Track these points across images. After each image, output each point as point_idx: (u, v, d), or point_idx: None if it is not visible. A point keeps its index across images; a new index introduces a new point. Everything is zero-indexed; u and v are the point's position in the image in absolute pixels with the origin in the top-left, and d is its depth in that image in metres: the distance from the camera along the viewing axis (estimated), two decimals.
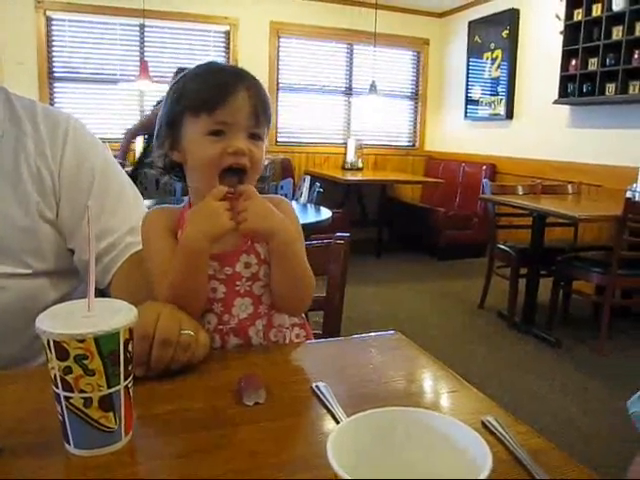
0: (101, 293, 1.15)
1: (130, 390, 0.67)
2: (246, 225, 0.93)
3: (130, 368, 0.66)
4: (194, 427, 0.71)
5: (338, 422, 0.71)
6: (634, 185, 3.79)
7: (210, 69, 1.01)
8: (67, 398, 0.62)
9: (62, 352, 0.61)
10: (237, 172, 0.96)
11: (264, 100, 0.99)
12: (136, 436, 0.68)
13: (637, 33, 4.12)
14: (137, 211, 1.20)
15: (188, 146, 0.98)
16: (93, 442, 0.64)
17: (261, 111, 0.97)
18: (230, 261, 1.00)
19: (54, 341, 0.61)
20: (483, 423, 0.73)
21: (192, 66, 1.03)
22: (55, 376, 0.62)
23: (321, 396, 0.79)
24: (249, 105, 0.95)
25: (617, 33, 4.27)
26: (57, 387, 0.63)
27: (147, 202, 1.27)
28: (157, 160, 1.04)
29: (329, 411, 0.75)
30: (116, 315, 0.65)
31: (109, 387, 0.63)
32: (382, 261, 5.82)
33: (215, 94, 0.94)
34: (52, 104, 5.31)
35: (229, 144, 0.94)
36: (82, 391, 0.62)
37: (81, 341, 0.60)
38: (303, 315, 1.13)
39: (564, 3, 4.69)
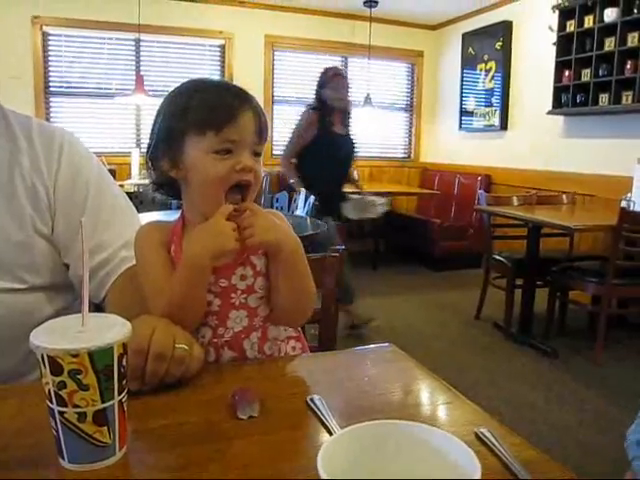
0: (97, 307, 1.15)
1: (124, 405, 0.67)
2: (254, 239, 0.94)
3: (124, 383, 0.67)
4: (188, 441, 0.71)
5: (332, 435, 0.72)
6: (628, 195, 3.81)
7: (213, 87, 1.01)
8: (61, 413, 0.63)
9: (56, 367, 0.61)
10: (240, 189, 0.97)
11: (265, 118, 1.01)
12: (130, 451, 0.68)
13: (629, 44, 4.16)
14: (132, 225, 1.20)
15: (190, 164, 0.97)
16: (87, 457, 0.64)
17: (264, 129, 0.99)
18: (225, 273, 1.01)
19: (48, 356, 0.61)
20: (477, 435, 0.73)
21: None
22: (49, 391, 0.62)
23: (316, 409, 0.79)
24: (255, 123, 0.97)
25: (609, 44, 4.31)
26: (51, 402, 0.63)
27: (143, 215, 1.27)
28: (150, 176, 1.04)
29: (324, 424, 0.75)
30: (110, 330, 0.65)
31: (103, 402, 0.63)
32: (378, 273, 5.82)
33: (223, 113, 0.95)
34: (48, 119, 5.33)
35: (237, 161, 0.95)
36: (76, 406, 0.62)
37: (75, 356, 0.61)
38: (298, 328, 1.13)
39: (556, 15, 4.74)
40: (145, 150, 1.04)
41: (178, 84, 1.05)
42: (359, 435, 0.50)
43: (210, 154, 0.95)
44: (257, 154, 0.99)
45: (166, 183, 1.03)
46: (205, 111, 0.95)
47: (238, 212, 0.96)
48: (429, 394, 0.92)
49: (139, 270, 1.04)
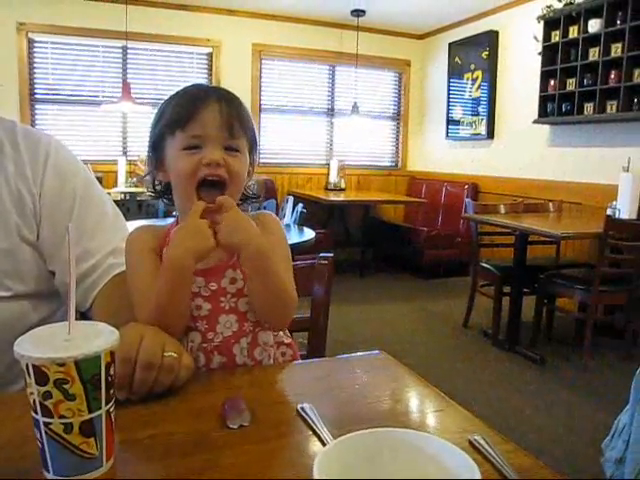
0: (82, 316, 1.13)
1: (112, 415, 0.65)
2: (218, 238, 0.94)
3: (112, 392, 0.65)
4: (177, 452, 0.70)
5: (324, 444, 0.71)
6: (614, 202, 3.85)
7: (185, 89, 1.04)
8: (47, 424, 0.61)
9: (41, 377, 0.59)
10: (217, 186, 0.97)
11: (240, 112, 1.01)
12: (118, 462, 0.66)
13: (613, 54, 4.21)
14: (119, 232, 1.19)
15: (168, 164, 1.00)
16: (73, 469, 0.62)
17: (236, 123, 0.99)
18: (215, 276, 1.00)
19: (33, 365, 0.59)
20: (470, 442, 0.72)
21: (175, 88, 1.05)
22: (34, 401, 0.61)
23: (307, 417, 0.78)
24: (221, 117, 0.97)
25: (594, 54, 4.36)
26: (36, 412, 0.61)
27: (130, 223, 1.26)
28: (148, 184, 1.07)
29: (315, 433, 0.74)
30: (97, 338, 0.64)
31: (90, 412, 0.62)
32: (366, 281, 5.82)
33: (186, 110, 0.97)
34: (33, 126, 5.29)
35: (203, 156, 0.96)
36: (62, 416, 0.60)
37: (61, 365, 0.59)
38: (289, 334, 1.12)
39: (542, 25, 4.79)
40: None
41: (165, 91, 1.08)
42: (355, 444, 0.49)
43: (180, 151, 0.97)
44: (232, 149, 0.99)
45: (162, 190, 1.06)
46: (173, 112, 0.99)
47: (213, 208, 0.95)
48: (421, 401, 0.92)
49: (128, 275, 1.03)
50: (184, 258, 0.93)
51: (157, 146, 1.02)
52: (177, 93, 1.03)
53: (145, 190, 4.78)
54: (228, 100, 1.00)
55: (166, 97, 1.05)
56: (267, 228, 1.03)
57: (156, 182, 1.07)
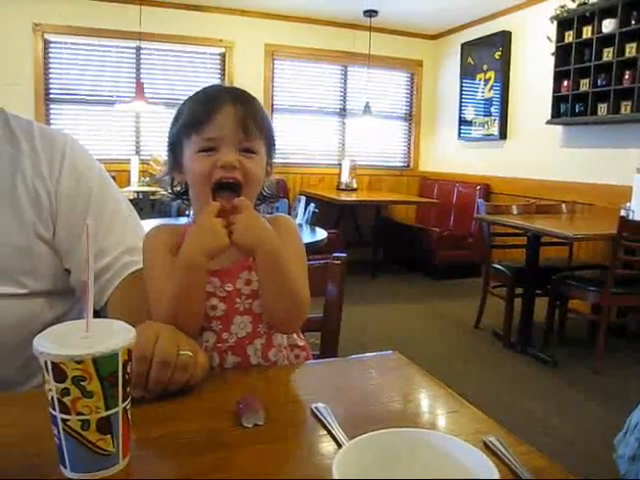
0: (96, 314, 1.14)
1: (128, 412, 0.66)
2: (232, 238, 0.94)
3: (128, 390, 0.65)
4: (192, 450, 0.70)
5: (338, 443, 0.71)
6: (628, 204, 3.82)
7: (202, 91, 1.04)
8: (64, 420, 0.61)
9: (60, 374, 0.60)
10: (232, 188, 0.97)
11: (255, 113, 1.00)
12: (133, 459, 0.67)
13: (627, 54, 4.18)
14: (134, 230, 1.20)
15: (186, 166, 1.01)
16: (90, 466, 0.63)
17: (252, 124, 0.99)
18: (230, 277, 1.00)
19: (52, 362, 0.60)
20: (485, 443, 0.72)
21: (188, 88, 1.06)
22: (52, 398, 0.61)
23: (321, 417, 0.78)
24: (236, 118, 0.97)
25: (608, 54, 4.33)
26: (54, 409, 0.62)
27: (143, 222, 1.26)
28: (166, 185, 1.07)
29: (329, 432, 0.74)
30: (114, 336, 0.64)
31: (107, 409, 0.62)
32: (377, 281, 5.81)
33: (202, 112, 0.97)
34: (48, 125, 5.32)
35: (219, 158, 0.96)
36: (80, 413, 0.61)
37: (79, 362, 0.60)
38: (303, 336, 1.12)
39: (555, 25, 4.76)
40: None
41: (178, 91, 1.09)
42: (373, 443, 0.49)
43: (196, 154, 0.98)
44: (248, 150, 0.99)
45: (183, 191, 1.07)
46: (189, 114, 1.00)
47: (230, 210, 0.95)
48: (434, 402, 0.91)
49: (145, 273, 1.03)
50: (196, 256, 0.93)
51: (175, 147, 1.03)
52: (195, 94, 1.04)
53: (158, 189, 4.82)
54: (243, 101, 1.00)
55: (179, 97, 1.06)
56: (283, 230, 1.03)
57: (174, 183, 1.07)
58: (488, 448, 0.71)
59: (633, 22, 4.10)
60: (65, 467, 0.63)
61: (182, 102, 1.05)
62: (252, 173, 0.98)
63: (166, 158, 1.07)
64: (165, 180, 1.08)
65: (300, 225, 3.80)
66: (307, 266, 1.06)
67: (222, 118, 0.97)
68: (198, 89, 1.05)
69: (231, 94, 1.00)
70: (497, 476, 0.43)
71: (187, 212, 1.12)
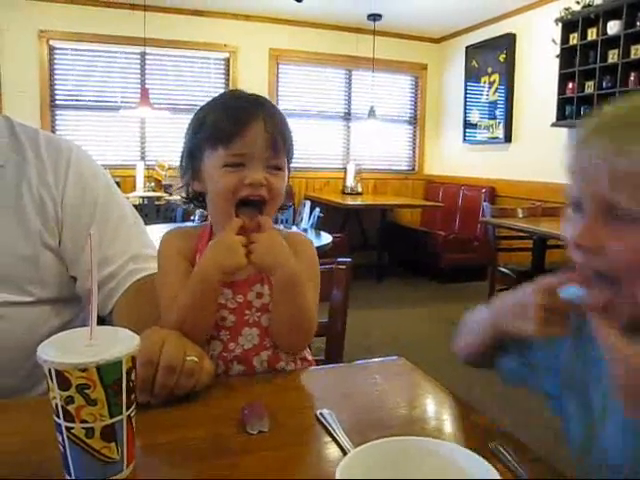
0: (102, 321, 1.14)
1: (132, 419, 0.66)
2: (251, 258, 0.93)
3: (133, 397, 0.65)
4: (197, 456, 0.70)
5: (343, 450, 0.70)
6: None
7: (228, 99, 1.02)
8: (68, 428, 0.61)
9: (64, 381, 0.60)
10: (256, 204, 0.96)
11: (282, 130, 0.99)
12: (138, 466, 0.67)
13: (632, 56, 4.16)
14: (139, 238, 1.20)
15: (207, 177, 0.98)
16: (94, 473, 0.63)
17: (280, 141, 0.97)
18: (243, 289, 1.00)
19: (56, 370, 0.60)
20: (491, 450, 0.71)
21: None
22: (56, 406, 0.61)
23: (326, 423, 0.78)
24: (266, 136, 0.95)
25: (613, 56, 4.32)
26: (58, 417, 0.62)
27: (148, 228, 1.26)
28: (180, 189, 1.06)
29: (334, 439, 0.74)
30: (118, 343, 0.64)
31: (111, 417, 0.62)
32: (383, 285, 5.80)
33: (230, 126, 0.94)
34: (53, 131, 5.36)
35: (246, 175, 0.94)
36: (84, 421, 0.61)
37: (83, 370, 0.60)
38: (309, 350, 1.11)
39: (559, 27, 4.75)
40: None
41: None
42: (378, 451, 0.49)
43: (221, 168, 0.95)
44: (275, 167, 0.97)
45: (194, 196, 1.05)
46: (215, 126, 0.96)
47: (252, 227, 0.95)
48: (440, 408, 0.91)
49: (157, 277, 1.04)
50: (212, 272, 0.92)
51: (194, 155, 1.00)
52: (219, 102, 1.01)
53: (163, 194, 4.83)
54: (272, 116, 0.98)
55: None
56: (299, 249, 1.01)
57: (189, 190, 1.05)
58: (494, 455, 0.70)
59: (638, 24, 4.08)
60: (69, 475, 0.63)
61: (202, 107, 1.02)
62: (278, 190, 0.97)
63: (174, 164, 1.06)
64: (179, 185, 1.06)
65: (305, 230, 3.80)
66: (319, 286, 1.05)
67: (252, 134, 0.94)
68: (209, 94, 1.04)
69: (261, 108, 0.97)
70: None
71: (192, 217, 1.12)
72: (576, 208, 0.73)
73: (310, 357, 1.09)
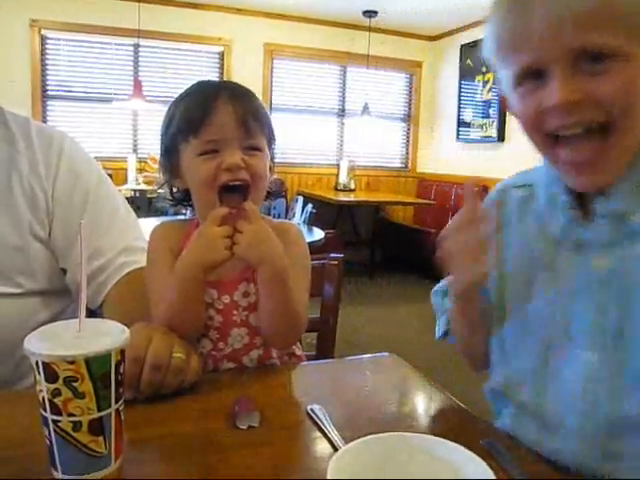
0: (93, 314, 1.13)
1: (121, 413, 0.65)
2: (237, 250, 0.89)
3: (121, 391, 0.64)
4: (186, 451, 0.69)
5: (334, 446, 0.70)
6: None
7: (195, 89, 0.99)
8: (55, 422, 0.60)
9: (51, 374, 0.59)
10: (239, 189, 0.92)
11: (254, 108, 0.95)
12: (126, 461, 0.66)
13: None
14: (131, 230, 1.19)
15: (186, 171, 0.96)
16: (82, 467, 0.62)
17: (251, 120, 0.93)
18: (229, 289, 0.98)
19: (43, 362, 0.59)
20: (483, 446, 0.71)
21: (187, 87, 1.01)
22: (43, 399, 0.60)
23: (316, 419, 0.77)
24: (235, 116, 0.92)
25: None
26: (45, 410, 0.61)
27: (141, 221, 1.25)
28: (165, 191, 1.03)
29: (324, 435, 0.73)
30: (107, 336, 0.63)
31: (99, 410, 0.61)
32: (375, 282, 5.80)
33: (197, 114, 0.92)
34: (45, 122, 5.31)
35: (222, 160, 0.91)
36: (71, 414, 0.60)
37: (71, 363, 0.59)
38: (300, 346, 1.11)
39: None
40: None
41: (176, 90, 1.03)
42: (369, 447, 0.48)
43: (196, 157, 0.93)
44: (252, 148, 0.94)
45: (179, 196, 1.02)
46: (183, 117, 0.94)
47: (238, 213, 0.91)
48: (431, 404, 0.91)
49: (146, 271, 1.02)
50: (192, 269, 0.90)
51: (170, 152, 0.97)
52: (185, 93, 0.98)
53: (155, 188, 4.80)
54: (240, 96, 0.95)
55: (177, 96, 1.01)
56: (288, 239, 0.97)
57: (174, 189, 1.02)
58: (486, 451, 0.70)
59: None
60: (56, 469, 0.62)
61: (171, 103, 0.99)
62: (258, 171, 0.94)
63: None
64: (163, 185, 1.03)
65: (298, 225, 3.79)
66: (309, 278, 1.02)
67: (221, 118, 0.91)
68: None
69: (226, 90, 0.95)
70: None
71: (184, 211, 1.10)
72: (532, 76, 0.70)
73: (299, 352, 1.08)
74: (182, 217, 1.09)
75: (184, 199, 1.03)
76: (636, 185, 0.70)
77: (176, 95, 1.00)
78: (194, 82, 1.01)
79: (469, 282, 0.82)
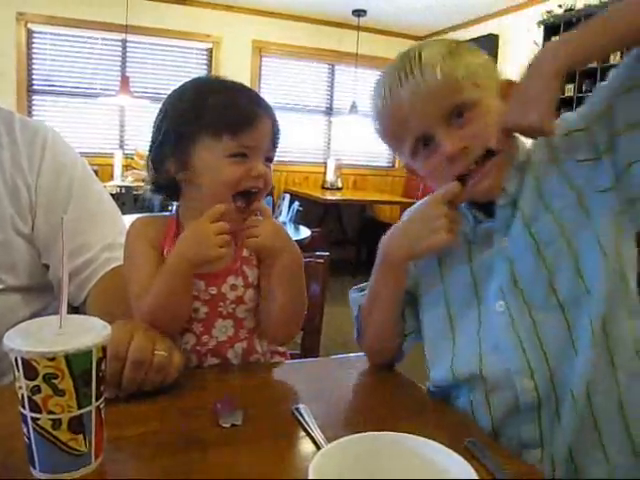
0: (76, 310, 1.12)
1: (102, 411, 0.64)
2: (257, 241, 0.91)
3: (102, 388, 0.64)
4: (168, 450, 0.69)
5: (317, 445, 0.70)
6: None
7: (228, 88, 0.98)
8: (34, 419, 0.60)
9: (31, 371, 0.58)
10: (248, 194, 0.95)
11: (278, 125, 0.99)
12: (107, 459, 0.65)
13: (612, 61, 4.21)
14: (115, 226, 1.18)
15: (202, 166, 0.94)
16: (61, 466, 0.61)
17: (278, 135, 0.98)
18: (216, 281, 0.98)
19: (22, 359, 0.58)
20: (465, 446, 0.71)
21: (174, 83, 1.00)
22: (22, 396, 0.60)
23: (300, 418, 0.77)
24: (272, 128, 0.96)
25: None
26: (24, 408, 0.60)
27: (126, 217, 1.23)
28: (150, 178, 1.01)
29: (308, 434, 0.73)
30: (89, 332, 0.62)
31: (80, 408, 0.61)
32: (360, 281, 5.73)
33: (241, 117, 0.93)
34: (30, 116, 5.25)
35: (252, 167, 0.93)
36: (51, 412, 0.59)
37: (51, 359, 0.58)
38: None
39: (542, 30, 4.79)
40: (148, 150, 1.00)
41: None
42: (351, 447, 0.48)
43: (225, 158, 0.92)
44: (269, 159, 0.98)
45: (169, 185, 1.00)
46: (221, 114, 0.93)
47: (245, 213, 0.94)
48: (414, 404, 0.91)
49: (125, 266, 1.01)
50: (184, 264, 0.90)
51: (183, 142, 0.94)
52: (210, 89, 0.97)
53: (141, 184, 4.76)
54: (273, 112, 0.99)
55: (165, 92, 0.99)
56: None
57: (161, 178, 0.99)
58: (468, 451, 0.70)
59: None
60: (35, 467, 0.61)
61: (187, 91, 0.97)
62: (269, 181, 0.97)
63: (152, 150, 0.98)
64: (148, 172, 1.00)
65: (284, 223, 3.79)
66: None
67: (263, 126, 0.94)
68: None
69: (264, 103, 0.98)
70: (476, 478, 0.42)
71: (170, 207, 1.09)
72: (424, 142, 0.88)
73: (283, 349, 1.08)
74: (161, 213, 1.07)
75: (167, 187, 1.00)
76: (519, 181, 0.87)
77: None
78: (185, 79, 1.00)
79: (427, 246, 0.91)
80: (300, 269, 0.97)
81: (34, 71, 5.44)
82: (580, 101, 4.42)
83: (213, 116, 0.93)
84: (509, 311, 0.85)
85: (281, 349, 1.07)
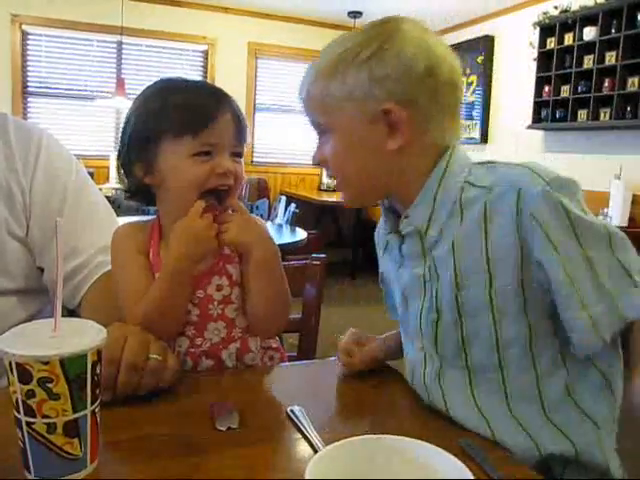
0: (71, 313, 1.12)
1: (97, 415, 0.64)
2: (227, 236, 0.91)
3: (97, 392, 0.63)
4: (164, 454, 0.69)
5: (314, 448, 0.69)
6: (605, 209, 3.86)
7: (188, 87, 0.98)
8: (29, 424, 0.59)
9: (25, 375, 0.58)
10: (217, 192, 0.93)
11: (243, 118, 0.98)
12: (102, 463, 0.65)
13: (607, 62, 4.22)
14: (109, 229, 1.16)
15: (167, 168, 0.93)
16: (56, 470, 0.61)
17: (242, 129, 0.96)
18: (201, 283, 0.97)
19: (16, 363, 0.58)
20: (461, 447, 0.71)
21: None
22: (17, 400, 0.59)
23: (296, 421, 0.76)
24: (233, 125, 0.94)
25: (588, 62, 4.37)
26: (19, 412, 0.59)
27: (121, 219, 1.23)
28: (121, 183, 1.00)
29: (304, 436, 0.73)
30: (84, 336, 0.62)
31: (75, 412, 0.60)
32: (357, 282, 5.81)
33: (201, 115, 0.91)
34: (25, 119, 5.24)
35: (217, 164, 0.92)
36: (45, 416, 0.59)
37: (46, 363, 0.57)
38: (277, 338, 1.10)
39: (537, 31, 4.80)
40: (117, 156, 1.00)
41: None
42: (347, 450, 0.48)
43: (188, 158, 0.92)
44: (237, 154, 0.96)
45: (140, 190, 0.99)
46: (181, 113, 0.92)
47: (218, 210, 0.93)
48: (411, 405, 0.90)
49: (114, 274, 1.00)
50: (185, 264, 0.90)
51: (147, 145, 0.94)
52: (171, 89, 0.97)
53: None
54: (235, 106, 0.97)
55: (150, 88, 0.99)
56: None
57: (131, 183, 0.99)
58: (464, 452, 0.70)
59: (613, 31, 4.14)
60: (30, 472, 0.61)
61: (150, 94, 0.97)
62: (240, 177, 0.96)
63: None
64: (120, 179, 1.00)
65: (280, 225, 3.79)
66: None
67: (222, 124, 0.92)
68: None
69: (225, 97, 0.96)
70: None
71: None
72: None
73: (276, 344, 1.06)
74: (143, 218, 1.07)
75: (138, 192, 1.00)
76: (426, 207, 0.86)
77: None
78: (169, 77, 1.01)
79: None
80: (275, 259, 0.96)
81: (29, 73, 5.42)
82: (576, 102, 4.43)
83: (173, 117, 0.92)
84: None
85: (275, 344, 1.06)
